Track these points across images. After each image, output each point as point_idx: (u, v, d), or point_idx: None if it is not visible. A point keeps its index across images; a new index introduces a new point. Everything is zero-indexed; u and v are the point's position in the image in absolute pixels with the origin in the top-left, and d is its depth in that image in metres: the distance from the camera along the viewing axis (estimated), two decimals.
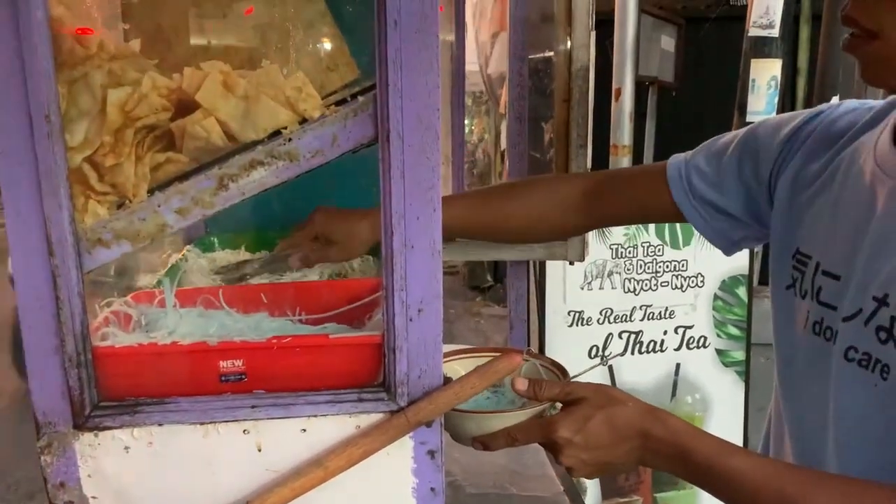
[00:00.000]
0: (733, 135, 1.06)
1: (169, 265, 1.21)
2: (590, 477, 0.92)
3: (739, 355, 2.40)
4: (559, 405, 0.91)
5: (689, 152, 1.10)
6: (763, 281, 3.36)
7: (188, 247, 1.31)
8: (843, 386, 0.84)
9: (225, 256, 1.32)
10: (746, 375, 2.41)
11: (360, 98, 0.76)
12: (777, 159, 0.98)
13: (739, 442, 2.37)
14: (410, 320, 0.79)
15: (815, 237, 0.91)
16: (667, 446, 0.84)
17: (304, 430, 0.80)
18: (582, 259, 1.42)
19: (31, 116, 0.69)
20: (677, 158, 1.10)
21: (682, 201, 1.07)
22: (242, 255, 1.33)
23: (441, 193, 0.77)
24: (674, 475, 0.86)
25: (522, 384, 0.91)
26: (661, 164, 1.11)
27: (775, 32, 3.46)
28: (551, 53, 1.49)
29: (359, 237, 1.14)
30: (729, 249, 1.10)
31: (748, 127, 1.05)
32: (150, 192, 0.78)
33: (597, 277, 2.23)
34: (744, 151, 1.02)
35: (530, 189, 1.22)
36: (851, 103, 0.96)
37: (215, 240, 1.38)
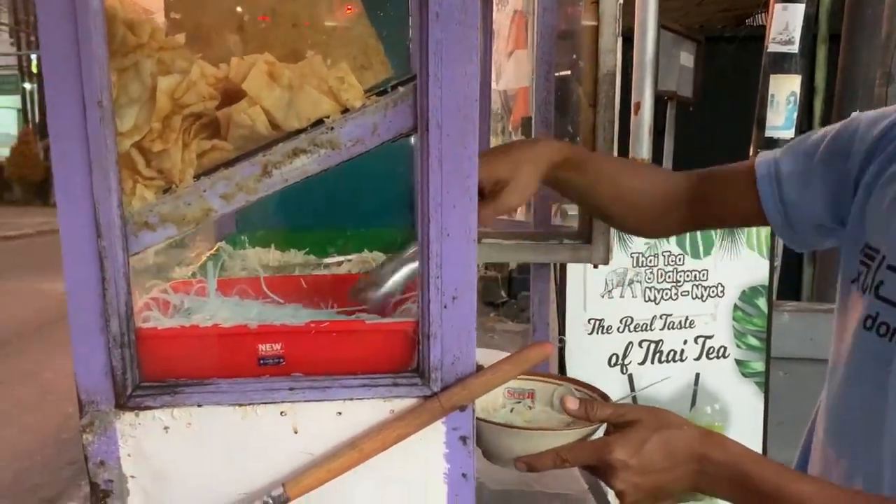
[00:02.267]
0: (824, 132, 1.00)
1: (203, 260, 1.23)
2: None
3: (759, 366, 2.40)
4: (601, 429, 0.89)
5: (778, 152, 1.04)
6: (782, 295, 3.36)
7: (220, 243, 1.33)
8: None
9: (256, 254, 1.34)
10: (766, 386, 2.40)
11: (401, 88, 0.79)
12: (867, 152, 0.93)
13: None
14: (445, 307, 0.80)
15: (887, 232, 0.87)
16: (726, 471, 0.81)
17: (340, 413, 0.81)
18: (606, 262, 1.43)
19: (85, 102, 0.72)
20: (766, 159, 1.04)
21: (769, 207, 1.03)
22: (273, 253, 1.35)
23: (477, 183, 0.79)
24: (729, 501, 0.83)
25: (574, 403, 0.89)
26: (750, 165, 1.05)
27: (795, 48, 3.47)
28: (569, 72, 1.51)
29: (530, 167, 1.03)
30: (801, 248, 1.08)
31: (844, 121, 0.99)
32: (196, 178, 0.80)
33: (617, 286, 2.24)
34: (835, 146, 0.97)
35: (637, 175, 1.16)
36: None
37: (245, 238, 1.40)
